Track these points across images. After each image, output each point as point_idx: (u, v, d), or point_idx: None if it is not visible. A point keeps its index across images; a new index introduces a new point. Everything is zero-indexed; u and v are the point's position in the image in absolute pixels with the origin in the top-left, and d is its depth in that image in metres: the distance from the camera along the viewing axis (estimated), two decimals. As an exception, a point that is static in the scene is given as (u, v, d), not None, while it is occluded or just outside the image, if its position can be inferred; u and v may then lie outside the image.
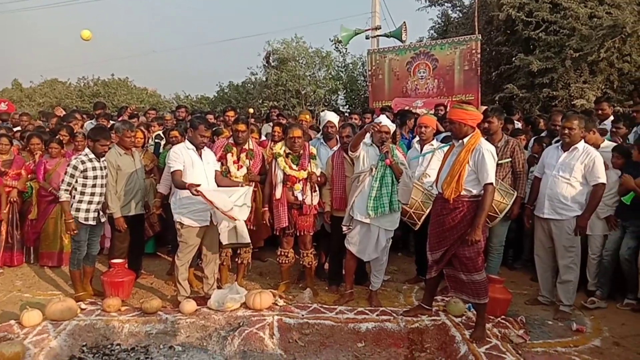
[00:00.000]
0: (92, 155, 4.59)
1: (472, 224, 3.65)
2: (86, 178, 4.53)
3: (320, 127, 5.74)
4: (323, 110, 7.94)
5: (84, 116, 7.98)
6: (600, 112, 6.03)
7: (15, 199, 5.74)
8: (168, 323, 4.10)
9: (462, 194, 3.69)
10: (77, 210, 4.52)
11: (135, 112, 8.52)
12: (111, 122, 7.17)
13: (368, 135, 4.52)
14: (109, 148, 4.82)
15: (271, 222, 4.83)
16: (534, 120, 6.62)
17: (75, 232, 4.49)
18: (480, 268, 3.79)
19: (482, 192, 3.65)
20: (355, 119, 7.13)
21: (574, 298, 4.50)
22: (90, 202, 4.56)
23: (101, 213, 4.68)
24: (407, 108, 8.00)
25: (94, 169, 4.56)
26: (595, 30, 8.01)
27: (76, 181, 4.52)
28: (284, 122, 6.55)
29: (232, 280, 4.96)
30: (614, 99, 8.04)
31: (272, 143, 5.55)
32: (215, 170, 4.62)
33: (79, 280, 4.70)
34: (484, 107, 5.83)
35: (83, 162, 4.53)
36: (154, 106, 14.22)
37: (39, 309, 4.06)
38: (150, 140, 6.58)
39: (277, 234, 4.91)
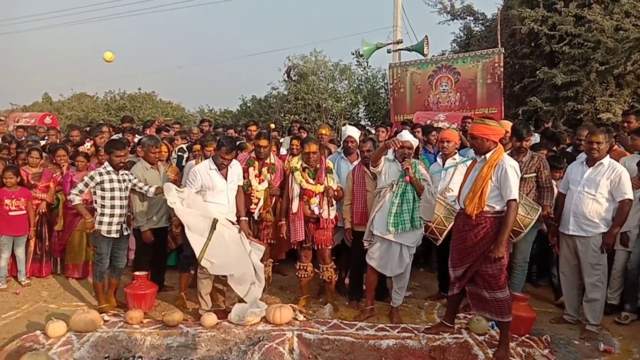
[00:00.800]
0: (109, 168, 4.67)
1: (495, 241, 3.60)
2: (104, 190, 4.61)
3: (341, 141, 5.75)
4: (344, 124, 7.97)
5: (111, 129, 8.13)
6: (626, 124, 5.91)
7: (44, 211, 5.89)
8: (189, 336, 4.13)
9: (484, 210, 3.64)
10: (100, 223, 4.60)
11: (164, 125, 8.65)
12: (137, 136, 7.30)
13: (390, 150, 4.51)
14: (126, 159, 4.89)
15: (288, 236, 4.84)
16: (558, 136, 6.50)
17: (92, 230, 4.58)
18: (503, 285, 3.72)
19: (505, 208, 3.60)
20: (382, 132, 7.13)
21: (601, 317, 4.38)
22: (112, 215, 4.63)
23: (124, 226, 4.76)
24: (429, 122, 7.96)
25: (110, 181, 4.63)
26: (622, 43, 7.87)
27: (94, 193, 4.61)
28: (304, 135, 6.58)
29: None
30: (641, 113, 7.86)
31: (290, 156, 5.58)
32: (238, 185, 4.67)
33: (102, 292, 4.78)
34: (506, 122, 5.72)
35: (100, 174, 4.61)
36: (178, 120, 14.46)
37: (63, 320, 4.13)
38: (173, 154, 6.69)
39: (295, 247, 4.92)
